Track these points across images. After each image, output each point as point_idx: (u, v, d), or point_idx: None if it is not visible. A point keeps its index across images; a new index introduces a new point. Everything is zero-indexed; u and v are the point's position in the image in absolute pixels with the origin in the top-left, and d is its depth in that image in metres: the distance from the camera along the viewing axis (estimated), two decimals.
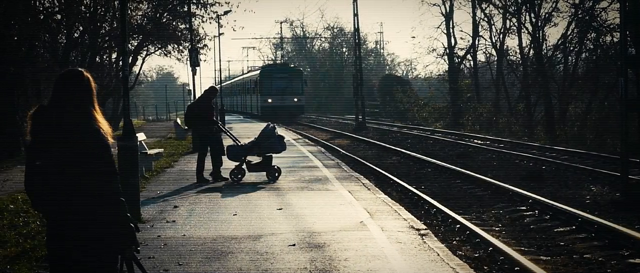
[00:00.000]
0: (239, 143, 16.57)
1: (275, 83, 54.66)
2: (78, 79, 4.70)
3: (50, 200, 4.53)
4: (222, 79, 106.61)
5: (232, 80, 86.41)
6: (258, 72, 58.83)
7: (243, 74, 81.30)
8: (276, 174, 16.30)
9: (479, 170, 19.97)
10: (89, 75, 4.77)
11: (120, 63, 32.69)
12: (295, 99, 54.94)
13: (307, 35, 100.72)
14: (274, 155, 16.67)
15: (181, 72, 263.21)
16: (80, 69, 4.83)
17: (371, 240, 9.59)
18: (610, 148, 24.68)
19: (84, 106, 4.65)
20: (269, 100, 54.23)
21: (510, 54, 45.27)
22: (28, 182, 4.63)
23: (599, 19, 35.59)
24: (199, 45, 39.24)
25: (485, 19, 45.56)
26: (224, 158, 16.60)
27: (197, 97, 19.16)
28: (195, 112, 16.94)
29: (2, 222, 11.20)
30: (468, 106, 46.70)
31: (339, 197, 13.65)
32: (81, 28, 35.68)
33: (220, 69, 72.08)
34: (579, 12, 36.95)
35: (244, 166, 16.35)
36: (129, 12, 35.11)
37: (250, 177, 16.51)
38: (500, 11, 43.58)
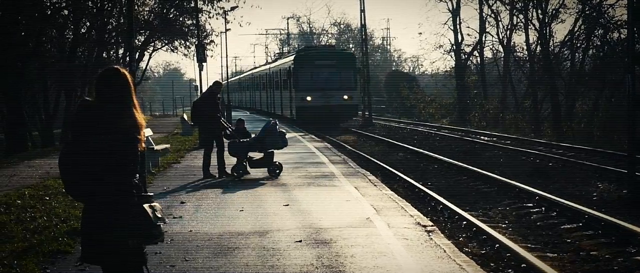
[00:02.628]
0: (240, 140, 16.54)
1: (318, 73, 38.70)
2: (115, 77, 5.05)
3: (81, 186, 4.91)
4: (235, 71, 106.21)
5: (253, 71, 65.93)
6: (292, 57, 41.11)
7: (268, 62, 62.73)
8: (277, 171, 16.28)
9: (485, 166, 19.93)
10: (125, 72, 5.12)
11: (127, 58, 32.80)
12: (345, 97, 38.67)
13: (314, 31, 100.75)
14: (279, 151, 16.66)
15: (188, 68, 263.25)
16: (116, 66, 5.16)
17: (377, 236, 9.59)
18: (617, 145, 24.59)
19: (121, 101, 5.00)
20: (308, 99, 38.27)
21: (517, 51, 45.27)
22: (63, 169, 4.98)
23: (606, 15, 35.50)
24: (206, 41, 39.31)
25: (492, 15, 45.55)
26: (227, 154, 16.64)
27: (202, 93, 19.20)
28: (200, 108, 16.96)
29: (9, 217, 11.22)
30: (475, 103, 46.65)
31: (345, 193, 13.64)
32: (88, 23, 35.78)
33: (227, 64, 71.56)
34: (586, 9, 36.84)
35: (245, 162, 16.35)
36: (136, 7, 35.13)
37: (256, 173, 16.52)
38: (507, 7, 43.55)
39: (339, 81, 38.89)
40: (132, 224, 4.93)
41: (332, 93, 38.32)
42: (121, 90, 5.02)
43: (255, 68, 67.27)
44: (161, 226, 5.17)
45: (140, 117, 5.06)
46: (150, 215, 5.03)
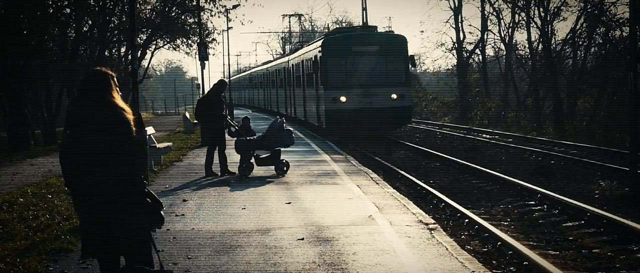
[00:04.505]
0: (247, 138, 16.54)
1: (355, 64, 28.33)
2: (99, 77, 5.54)
3: (83, 178, 5.24)
4: (238, 69, 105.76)
5: (268, 65, 52.01)
6: (319, 43, 29.63)
7: (287, 53, 52.73)
8: (285, 168, 16.29)
9: (487, 164, 19.94)
10: (105, 71, 5.61)
11: (129, 57, 32.72)
12: (394, 96, 27.99)
13: (316, 29, 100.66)
14: (283, 149, 16.66)
15: (190, 66, 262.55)
16: (99, 68, 5.66)
17: (380, 234, 9.60)
18: (619, 143, 24.60)
19: (105, 97, 5.42)
20: (342, 100, 27.71)
21: (519, 49, 45.24)
22: (65, 169, 5.39)
23: (608, 13, 35.49)
24: (208, 39, 39.32)
25: (494, 13, 45.54)
26: (230, 152, 16.63)
27: (206, 91, 19.20)
28: (205, 106, 16.96)
29: (11, 215, 11.25)
30: (476, 101, 46.64)
31: (347, 191, 13.65)
32: (90, 22, 35.81)
33: (229, 62, 70.97)
34: (588, 7, 36.82)
35: (253, 160, 16.37)
36: (138, 6, 35.19)
37: (258, 171, 16.53)
38: (509, 5, 43.51)
39: (385, 74, 28.21)
40: (140, 210, 5.31)
41: (376, 91, 27.69)
42: (99, 88, 5.46)
43: (270, 61, 54.95)
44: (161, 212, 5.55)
45: (125, 108, 5.45)
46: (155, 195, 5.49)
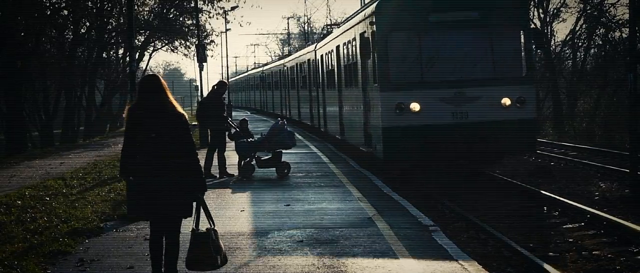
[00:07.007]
0: (247, 139, 16.48)
1: (436, 43, 15.57)
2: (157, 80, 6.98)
3: (149, 165, 6.77)
4: (236, 71, 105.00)
5: (283, 60, 41.19)
6: (372, 8, 16.20)
7: (310, 42, 41.03)
8: (286, 170, 16.23)
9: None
10: (158, 75, 7.12)
11: (127, 59, 32.63)
12: (507, 101, 15.40)
13: (314, 31, 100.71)
14: (283, 151, 16.60)
15: (188, 67, 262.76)
16: (154, 73, 7.10)
17: (379, 236, 9.55)
18: (619, 144, 24.55)
19: (164, 99, 6.86)
20: (413, 107, 15.30)
21: None
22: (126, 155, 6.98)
23: (607, 14, 35.47)
24: (206, 41, 39.30)
25: None
26: (228, 154, 16.58)
27: (207, 93, 19.15)
28: (207, 108, 16.91)
29: (9, 217, 11.20)
30: None
31: (346, 193, 13.60)
32: (88, 24, 35.78)
33: (227, 64, 70.87)
34: (588, 8, 36.80)
35: (254, 162, 16.31)
36: (136, 7, 35.16)
37: (257, 172, 16.47)
38: None
39: (491, 62, 15.90)
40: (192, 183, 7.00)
41: (474, 92, 15.49)
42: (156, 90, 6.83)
43: (289, 54, 43.60)
44: None
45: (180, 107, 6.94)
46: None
